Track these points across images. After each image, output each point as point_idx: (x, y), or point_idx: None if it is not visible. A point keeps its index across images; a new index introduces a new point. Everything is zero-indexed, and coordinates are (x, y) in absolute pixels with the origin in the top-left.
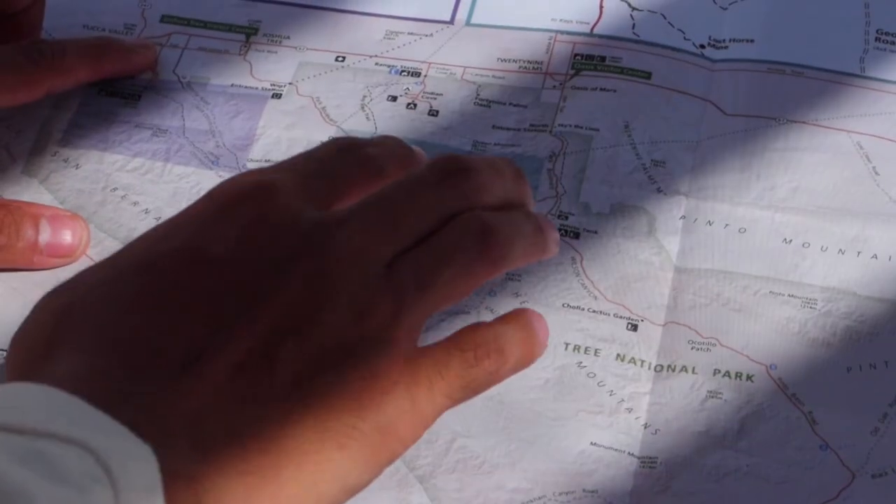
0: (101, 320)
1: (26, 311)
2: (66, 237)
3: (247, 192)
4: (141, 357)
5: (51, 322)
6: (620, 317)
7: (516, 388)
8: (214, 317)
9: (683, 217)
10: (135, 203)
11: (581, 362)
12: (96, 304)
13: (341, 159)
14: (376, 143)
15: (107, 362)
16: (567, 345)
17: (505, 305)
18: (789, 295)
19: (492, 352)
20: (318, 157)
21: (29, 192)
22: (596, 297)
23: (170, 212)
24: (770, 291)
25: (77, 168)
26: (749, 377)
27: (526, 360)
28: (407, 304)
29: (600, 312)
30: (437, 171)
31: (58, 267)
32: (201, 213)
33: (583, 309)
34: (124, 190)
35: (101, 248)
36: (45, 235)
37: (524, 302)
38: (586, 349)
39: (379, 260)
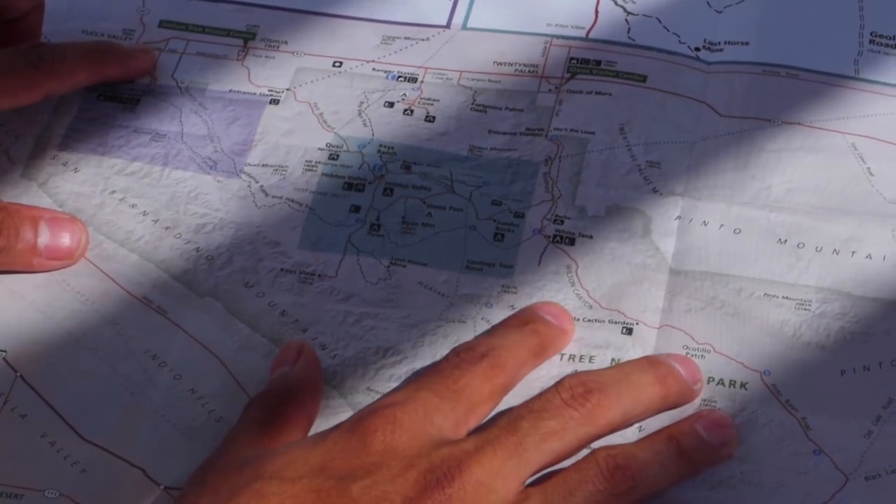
0: None
1: (25, 313)
2: (65, 239)
3: (378, 423)
4: None
5: None
6: (615, 322)
7: (517, 399)
8: None
9: (679, 217)
10: (133, 205)
11: (576, 370)
12: None
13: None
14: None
15: None
16: (562, 355)
17: (500, 317)
18: (784, 297)
19: None
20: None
21: (28, 195)
22: (591, 307)
23: (167, 214)
24: (765, 294)
25: (76, 171)
26: (743, 385)
27: (673, 478)
28: None
29: (595, 321)
30: (565, 396)
31: (57, 269)
32: (345, 440)
33: (578, 319)
34: (122, 193)
35: (99, 250)
36: (43, 238)
37: None
38: (581, 357)
39: (506, 492)
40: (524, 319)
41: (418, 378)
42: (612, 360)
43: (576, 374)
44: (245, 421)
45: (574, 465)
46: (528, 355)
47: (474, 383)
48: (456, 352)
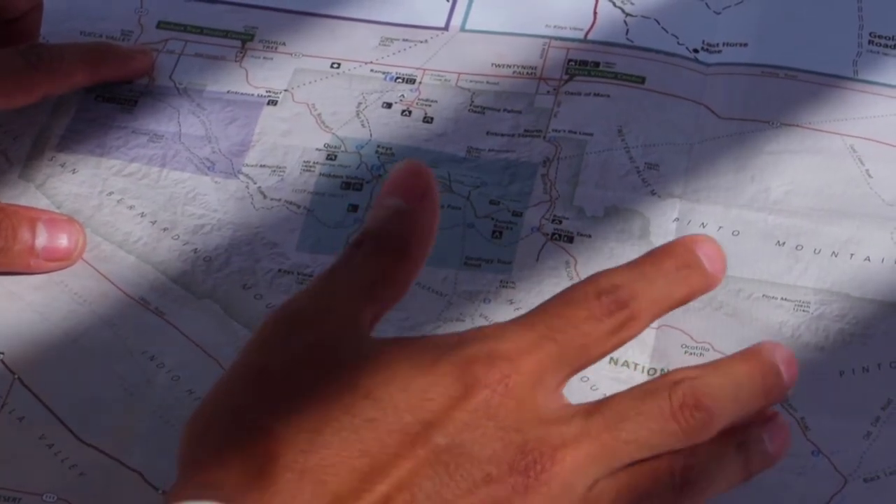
0: None
1: (23, 315)
2: (63, 241)
3: (490, 380)
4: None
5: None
6: None
7: None
8: (412, 487)
9: (677, 219)
10: (131, 207)
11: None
12: None
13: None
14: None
15: None
16: None
17: (499, 313)
18: (782, 298)
19: None
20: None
21: (26, 196)
22: None
23: (165, 215)
24: (763, 295)
25: (74, 173)
26: None
27: (733, 484)
28: None
29: None
30: (675, 405)
31: (54, 270)
32: (449, 381)
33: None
34: (120, 194)
35: (97, 251)
36: (41, 239)
37: (518, 309)
38: None
39: (583, 487)
40: (679, 262)
41: (545, 318)
42: (610, 358)
43: (689, 378)
44: (350, 269)
45: (649, 470)
46: (667, 307)
47: (602, 338)
48: (597, 291)
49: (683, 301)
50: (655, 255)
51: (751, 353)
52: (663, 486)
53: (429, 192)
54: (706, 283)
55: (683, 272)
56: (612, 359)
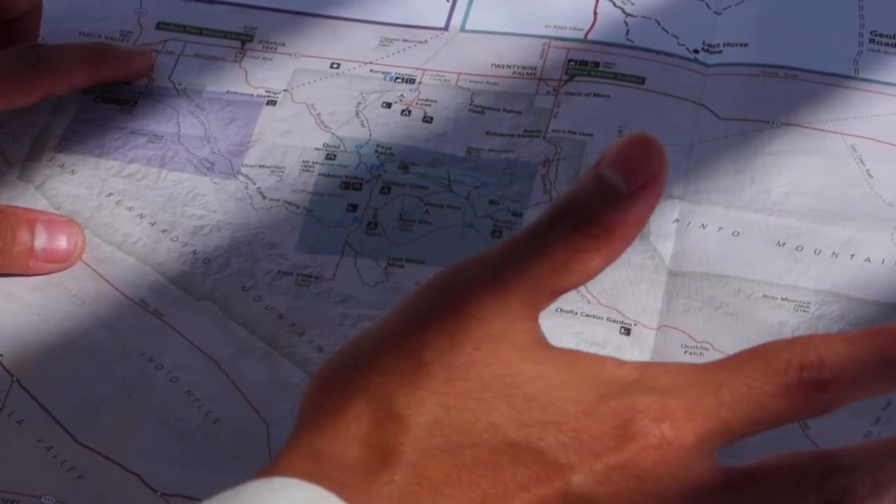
0: None
1: (22, 316)
2: (62, 242)
3: (648, 442)
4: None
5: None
6: (614, 321)
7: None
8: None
9: (677, 220)
10: (130, 208)
11: None
12: None
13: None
14: None
15: None
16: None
17: None
18: (782, 298)
19: None
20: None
21: (25, 197)
22: (589, 301)
23: (165, 217)
24: (763, 295)
25: (73, 174)
26: None
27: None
28: None
29: (594, 317)
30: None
31: (53, 272)
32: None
33: (576, 313)
34: (119, 195)
35: (96, 253)
36: (40, 240)
37: None
38: None
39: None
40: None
41: (734, 377)
42: None
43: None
44: (541, 245)
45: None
46: (866, 395)
47: (780, 417)
48: (800, 363)
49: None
50: (877, 336)
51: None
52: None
53: (656, 179)
54: None
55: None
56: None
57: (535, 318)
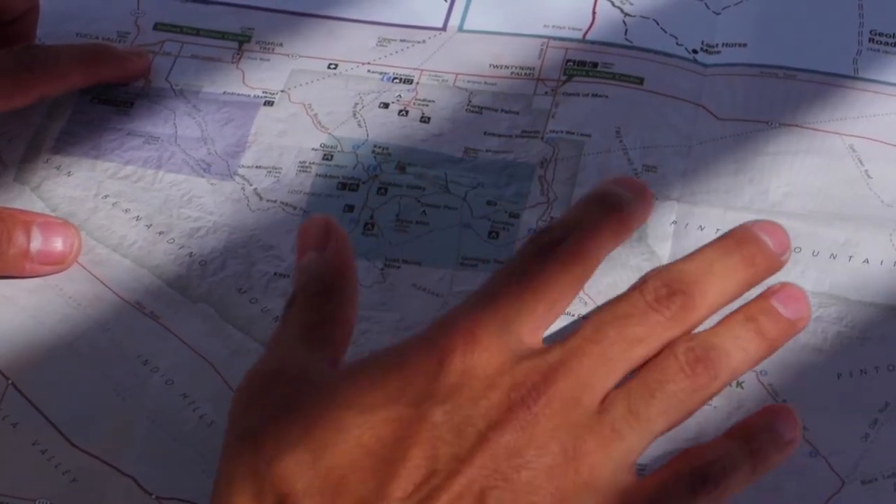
0: None
1: (17, 319)
2: (58, 244)
3: (455, 342)
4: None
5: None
6: None
7: None
8: (429, 460)
9: (675, 222)
10: (126, 210)
11: None
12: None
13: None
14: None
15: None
16: None
17: None
18: None
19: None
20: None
21: (21, 199)
22: (586, 303)
23: (161, 219)
24: None
25: (69, 175)
26: (739, 384)
27: (750, 480)
28: (620, 441)
29: None
30: (649, 298)
31: (49, 274)
32: (421, 362)
33: (573, 315)
34: (116, 197)
35: (92, 255)
36: (36, 243)
37: None
38: None
39: (591, 402)
40: (738, 242)
41: (494, 277)
42: None
43: (658, 273)
44: (289, 326)
45: (653, 363)
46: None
47: (552, 277)
48: (531, 240)
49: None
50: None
51: (726, 234)
52: (671, 371)
53: (331, 233)
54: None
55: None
56: None
57: (329, 369)
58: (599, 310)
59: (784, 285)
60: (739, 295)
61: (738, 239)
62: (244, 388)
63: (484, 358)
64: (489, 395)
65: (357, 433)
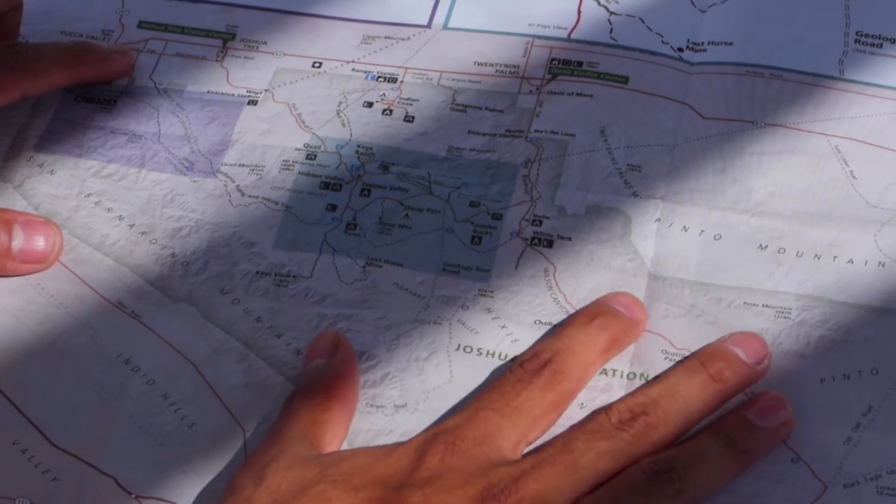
0: None
1: None
2: (40, 243)
3: (437, 448)
4: None
5: None
6: None
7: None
8: None
9: (658, 220)
10: (109, 209)
11: None
12: None
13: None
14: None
15: None
16: None
17: (476, 320)
18: (763, 305)
19: None
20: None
21: (3, 197)
22: (568, 312)
23: (143, 219)
24: (745, 302)
25: (52, 174)
26: None
27: (728, 473)
28: None
29: None
30: (614, 420)
31: (31, 273)
32: (405, 456)
33: (554, 325)
34: (98, 196)
35: (74, 254)
36: (18, 241)
37: (495, 318)
38: None
39: (561, 502)
40: (592, 314)
41: (480, 396)
42: None
43: (623, 399)
44: (291, 418)
45: (621, 475)
46: (597, 354)
47: (535, 396)
48: (519, 362)
49: (609, 348)
50: (570, 316)
51: (696, 355)
52: (637, 482)
53: (338, 344)
54: (627, 328)
55: (601, 321)
56: None
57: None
58: (569, 429)
59: (761, 395)
60: (711, 409)
61: (704, 357)
62: (246, 470)
63: (462, 461)
64: (465, 487)
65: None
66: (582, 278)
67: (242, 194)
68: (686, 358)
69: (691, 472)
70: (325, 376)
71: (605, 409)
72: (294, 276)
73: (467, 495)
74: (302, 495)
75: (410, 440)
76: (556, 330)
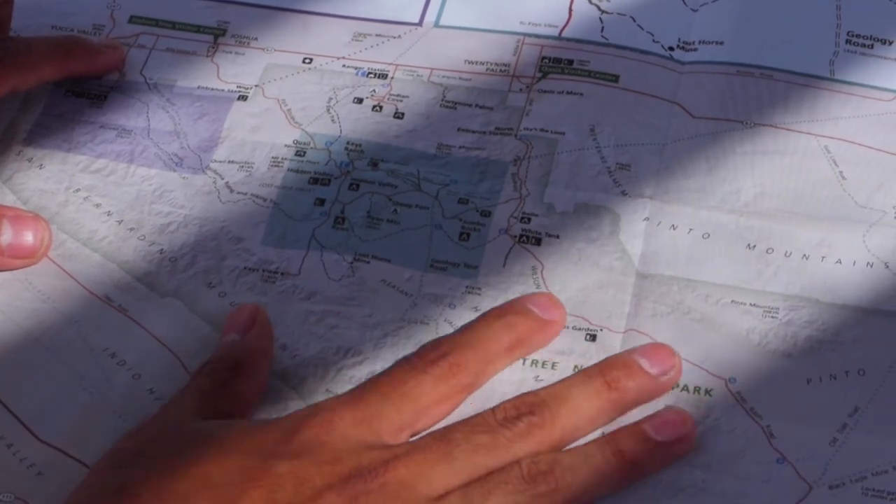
0: None
1: None
2: (28, 238)
3: (314, 422)
4: None
5: None
6: (579, 328)
7: (479, 403)
8: (266, 502)
9: (647, 219)
10: (97, 205)
11: (538, 376)
12: None
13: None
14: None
15: None
16: (524, 360)
17: (464, 320)
18: (751, 304)
19: None
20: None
21: None
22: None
23: (132, 215)
24: (732, 301)
25: (41, 168)
26: (708, 391)
27: (614, 477)
28: None
29: None
30: (499, 417)
31: (19, 268)
32: (278, 427)
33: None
34: (87, 191)
35: (62, 249)
36: (6, 236)
37: None
38: (543, 363)
39: (427, 493)
40: (502, 312)
41: (371, 378)
42: (575, 367)
43: (514, 398)
44: (192, 390)
45: (498, 470)
46: (500, 351)
47: (426, 385)
48: (417, 352)
49: (515, 347)
50: (482, 313)
51: (598, 363)
52: (512, 477)
53: (256, 319)
54: (536, 328)
55: (508, 319)
56: (576, 367)
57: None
58: (454, 422)
59: (664, 410)
60: (605, 416)
61: (604, 365)
62: (129, 436)
63: (337, 439)
64: (334, 465)
65: (209, 469)
66: (570, 277)
67: (231, 191)
68: (587, 368)
69: (570, 475)
70: (236, 351)
71: (493, 407)
72: (282, 273)
73: (335, 472)
74: (173, 458)
75: (291, 413)
76: (465, 325)
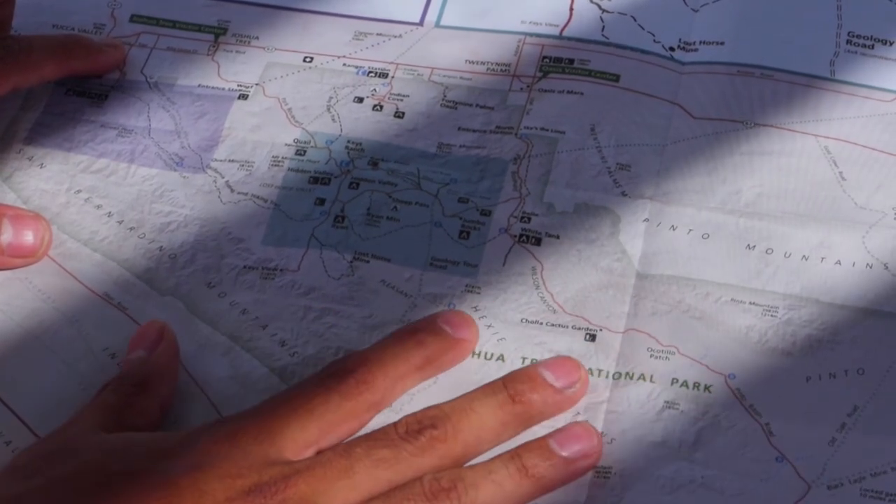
0: None
1: None
2: (28, 238)
3: (217, 436)
4: None
5: None
6: (579, 328)
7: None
8: None
9: (647, 220)
10: (98, 206)
11: None
12: None
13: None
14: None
15: None
16: (524, 359)
17: None
18: (751, 303)
19: None
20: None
21: None
22: (555, 311)
23: (132, 215)
24: (731, 299)
25: (41, 167)
26: (707, 388)
27: (520, 489)
28: None
29: (558, 325)
30: (401, 431)
31: (19, 267)
32: (175, 437)
33: (541, 323)
34: (88, 192)
35: (62, 248)
36: (6, 235)
37: (482, 317)
38: None
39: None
40: (413, 330)
41: (280, 393)
42: None
43: (417, 412)
44: (96, 405)
45: (400, 486)
46: (409, 369)
47: (332, 402)
48: (325, 368)
49: (425, 365)
50: (395, 331)
51: (503, 377)
52: (413, 493)
53: (162, 336)
54: (447, 346)
55: (419, 337)
56: None
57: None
58: (358, 437)
59: (571, 424)
60: (509, 430)
61: (508, 378)
62: (27, 453)
63: (238, 453)
64: (235, 479)
65: (108, 479)
66: (569, 277)
67: (232, 191)
68: (490, 382)
69: (472, 492)
70: (143, 367)
71: (397, 420)
72: (281, 270)
73: (235, 486)
74: (69, 467)
75: (196, 426)
76: (376, 343)
